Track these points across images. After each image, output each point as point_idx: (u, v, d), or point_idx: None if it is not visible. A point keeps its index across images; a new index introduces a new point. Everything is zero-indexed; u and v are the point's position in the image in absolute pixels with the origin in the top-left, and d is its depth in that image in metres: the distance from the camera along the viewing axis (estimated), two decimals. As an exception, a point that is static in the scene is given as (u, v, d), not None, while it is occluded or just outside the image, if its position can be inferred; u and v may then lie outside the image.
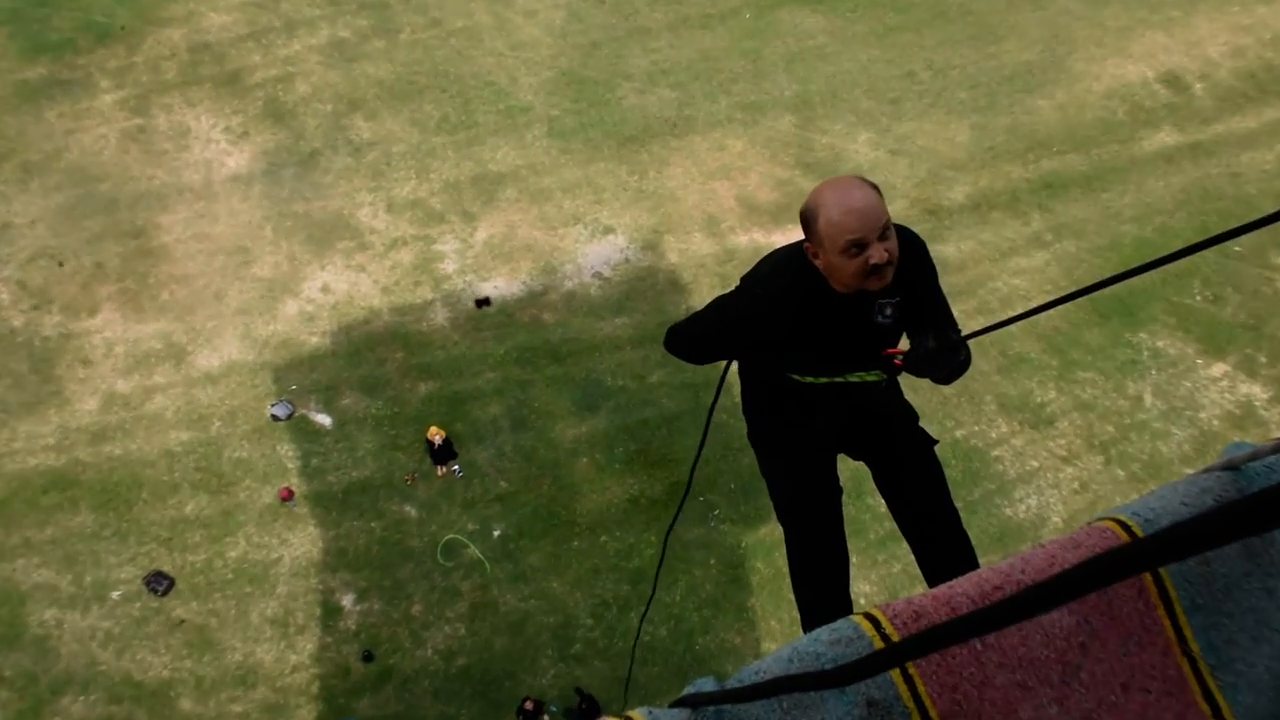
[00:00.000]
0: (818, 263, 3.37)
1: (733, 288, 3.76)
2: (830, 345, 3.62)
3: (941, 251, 13.18)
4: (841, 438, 4.12)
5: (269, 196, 13.38)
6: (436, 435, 11.14)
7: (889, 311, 3.58)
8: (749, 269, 3.72)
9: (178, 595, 10.51)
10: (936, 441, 4.14)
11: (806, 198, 3.36)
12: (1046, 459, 11.73)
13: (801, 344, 3.61)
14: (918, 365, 3.42)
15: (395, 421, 11.56)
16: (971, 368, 12.49)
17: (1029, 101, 15.21)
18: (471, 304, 12.44)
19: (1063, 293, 12.88)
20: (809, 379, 3.81)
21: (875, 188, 3.30)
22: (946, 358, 3.39)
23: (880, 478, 4.13)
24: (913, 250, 3.59)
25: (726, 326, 3.75)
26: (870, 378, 3.76)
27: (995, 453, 11.74)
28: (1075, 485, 11.54)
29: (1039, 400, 12.17)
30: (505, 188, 13.72)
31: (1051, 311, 12.79)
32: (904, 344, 3.78)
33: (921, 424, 4.20)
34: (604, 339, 12.29)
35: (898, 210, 13.50)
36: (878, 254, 3.23)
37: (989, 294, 12.94)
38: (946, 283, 12.71)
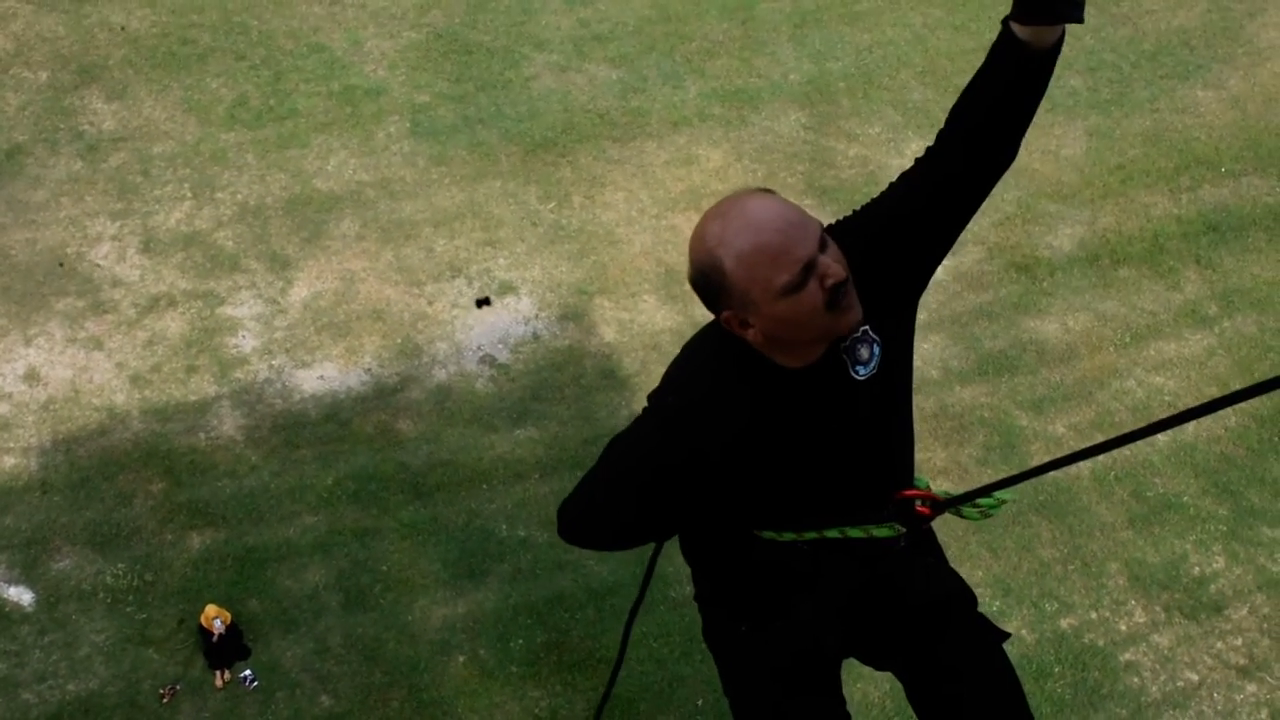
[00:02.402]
0: (749, 335, 3.39)
1: (634, 420, 3.75)
2: (805, 441, 3.63)
3: (1038, 329, 13.36)
4: (848, 634, 4.12)
5: (-59, 221, 13.29)
6: (217, 620, 10.93)
7: (864, 354, 3.58)
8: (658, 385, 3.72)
9: None
10: (1007, 636, 4.15)
11: (689, 253, 3.37)
12: (1213, 669, 11.75)
13: (762, 453, 3.58)
14: None
15: (146, 598, 11.36)
16: (1090, 517, 12.47)
17: (1184, 92, 15.58)
18: (277, 404, 12.33)
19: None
20: (787, 535, 3.82)
21: (769, 190, 3.31)
22: None
23: (917, 696, 4.14)
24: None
25: (639, 471, 3.68)
26: (880, 533, 3.79)
27: (1126, 656, 11.76)
28: (1264, 714, 11.54)
29: (1198, 572, 12.24)
30: (341, 218, 13.72)
31: (1220, 432, 12.93)
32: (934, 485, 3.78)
33: (985, 609, 4.19)
34: (496, 463, 12.24)
35: (969, 262, 13.67)
36: (832, 269, 3.22)
37: (1115, 399, 13.09)
38: (1047, 380, 12.68)
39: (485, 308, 12.78)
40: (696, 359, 3.57)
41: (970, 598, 4.15)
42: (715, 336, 3.48)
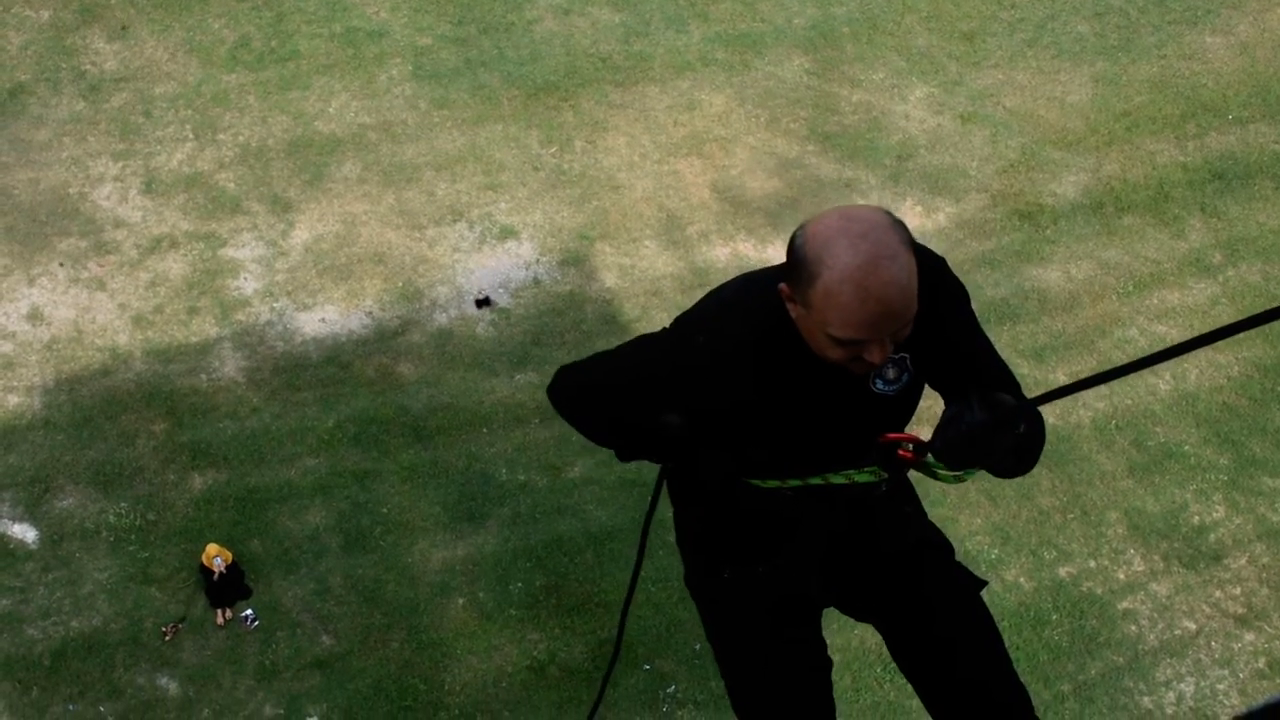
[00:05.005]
0: (788, 308, 3.44)
1: (663, 328, 3.80)
2: (802, 424, 3.67)
3: (1041, 277, 13.33)
4: (828, 582, 4.16)
5: (-56, 162, 13.27)
6: (218, 559, 10.96)
7: (891, 375, 3.65)
8: (693, 305, 3.75)
9: None
10: (984, 584, 4.19)
11: (808, 228, 3.36)
12: (1211, 617, 11.79)
13: (760, 423, 3.63)
14: (952, 449, 3.38)
15: (149, 536, 11.41)
16: (1090, 466, 12.47)
17: (1192, 38, 15.51)
18: (278, 346, 12.33)
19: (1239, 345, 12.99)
20: (771, 483, 3.85)
21: (909, 243, 3.29)
22: (998, 437, 3.36)
23: (897, 645, 4.17)
24: (928, 280, 3.59)
25: (646, 382, 3.77)
26: (861, 478, 3.79)
27: (1124, 605, 11.80)
28: (1261, 663, 11.58)
29: (1198, 521, 12.27)
30: (342, 160, 13.69)
31: (1222, 382, 12.94)
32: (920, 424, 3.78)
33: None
34: (496, 407, 12.27)
35: (972, 209, 13.63)
36: (878, 355, 3.32)
37: (1116, 347, 13.08)
38: (1049, 328, 12.68)
39: (485, 308, 12.73)
40: (739, 303, 3.61)
41: (947, 547, 4.19)
42: (764, 290, 3.52)
